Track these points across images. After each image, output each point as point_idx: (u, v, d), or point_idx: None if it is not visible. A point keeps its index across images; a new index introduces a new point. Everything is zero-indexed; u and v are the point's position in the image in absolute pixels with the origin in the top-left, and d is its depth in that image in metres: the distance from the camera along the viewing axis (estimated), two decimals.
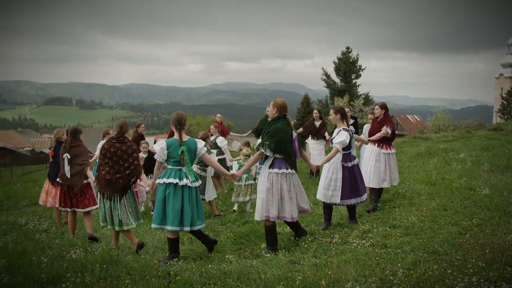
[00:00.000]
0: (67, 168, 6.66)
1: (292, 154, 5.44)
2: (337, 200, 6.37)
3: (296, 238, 5.90)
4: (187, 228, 5.23)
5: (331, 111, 6.48)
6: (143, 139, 9.88)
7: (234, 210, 8.23)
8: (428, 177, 9.67)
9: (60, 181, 6.84)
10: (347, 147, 6.37)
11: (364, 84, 44.65)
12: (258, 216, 5.48)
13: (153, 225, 5.33)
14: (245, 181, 8.19)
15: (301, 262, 4.87)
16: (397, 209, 7.16)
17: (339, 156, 6.36)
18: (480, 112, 44.45)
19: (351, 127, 6.99)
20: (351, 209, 6.72)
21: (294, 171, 5.53)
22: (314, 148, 10.92)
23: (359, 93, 41.52)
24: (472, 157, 11.84)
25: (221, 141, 9.44)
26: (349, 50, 42.59)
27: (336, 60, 42.64)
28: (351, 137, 6.39)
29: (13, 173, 30.83)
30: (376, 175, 7.61)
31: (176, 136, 5.31)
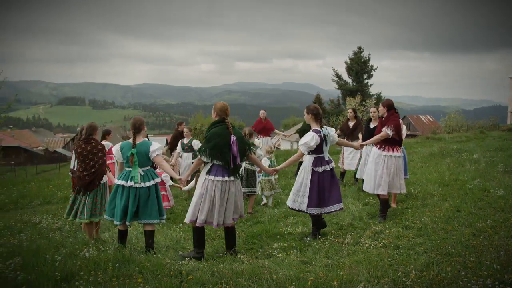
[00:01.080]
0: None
1: (230, 160, 5.20)
2: (304, 207, 5.90)
3: (226, 252, 5.51)
4: (128, 223, 5.55)
5: (304, 111, 6.02)
6: (183, 137, 10.27)
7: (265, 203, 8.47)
8: (441, 178, 9.58)
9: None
10: (317, 150, 5.84)
11: (376, 84, 44.50)
12: (187, 218, 5.43)
13: (105, 217, 5.79)
14: (264, 176, 8.33)
15: (313, 262, 4.86)
16: (409, 210, 7.11)
17: (310, 160, 5.89)
18: (494, 112, 43.98)
19: (328, 129, 5.98)
20: (316, 220, 6.07)
21: (233, 178, 5.29)
22: (348, 151, 9.92)
23: (371, 93, 41.29)
24: (486, 158, 11.71)
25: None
26: (361, 50, 42.36)
27: (348, 60, 42.44)
28: (323, 140, 5.81)
29: (27, 172, 31.20)
30: (371, 179, 6.88)
31: (137, 139, 5.56)
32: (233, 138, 5.19)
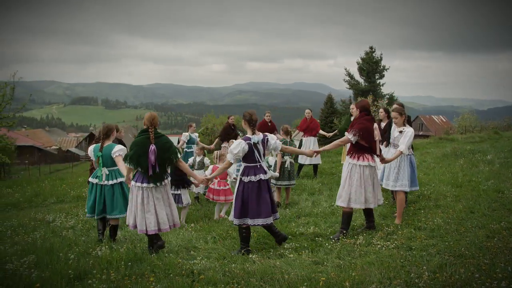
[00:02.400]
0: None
1: (147, 168, 5.31)
2: (231, 218, 5.69)
3: (151, 250, 5.49)
4: (96, 216, 6.33)
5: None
6: (233, 129, 11.25)
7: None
8: (454, 178, 9.49)
9: None
10: (247, 159, 5.52)
11: (388, 84, 44.15)
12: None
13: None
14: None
15: (325, 263, 4.84)
16: (422, 211, 7.05)
17: (241, 169, 5.64)
18: (508, 113, 43.41)
19: (269, 136, 5.69)
20: (240, 233, 5.66)
21: (153, 185, 5.38)
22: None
23: (383, 93, 41.03)
24: (500, 159, 11.57)
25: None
26: (373, 50, 42.10)
27: (360, 60, 42.21)
28: (253, 148, 5.47)
29: (40, 171, 31.55)
30: (344, 191, 6.13)
31: (104, 143, 6.28)
32: (152, 147, 5.32)
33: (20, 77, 18.56)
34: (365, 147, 6.00)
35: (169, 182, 5.69)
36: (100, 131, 6.44)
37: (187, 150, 11.27)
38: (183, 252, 5.70)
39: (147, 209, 5.40)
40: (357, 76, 42.54)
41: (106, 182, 6.26)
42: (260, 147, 5.52)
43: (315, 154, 6.39)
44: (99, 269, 4.53)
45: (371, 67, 41.31)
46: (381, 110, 9.09)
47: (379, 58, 41.74)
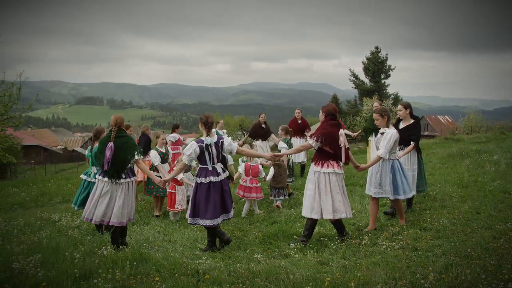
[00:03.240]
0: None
1: (102, 164, 5.70)
2: (187, 216, 5.88)
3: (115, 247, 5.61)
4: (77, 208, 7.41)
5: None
6: (262, 128, 11.54)
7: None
8: (460, 179, 9.44)
9: None
10: (200, 160, 5.68)
11: (393, 84, 43.79)
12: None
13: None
14: None
15: (330, 263, 4.83)
16: (427, 212, 7.02)
17: (198, 170, 5.80)
18: None
19: (224, 139, 5.75)
20: (209, 231, 5.82)
21: (107, 180, 5.69)
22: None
23: (388, 93, 40.92)
24: (506, 159, 11.50)
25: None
26: (378, 49, 42.00)
27: (365, 60, 42.12)
28: (204, 150, 5.58)
29: (46, 171, 31.69)
30: (307, 200, 5.86)
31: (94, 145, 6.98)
32: (109, 144, 5.67)
33: (26, 77, 18.63)
34: (329, 153, 5.69)
35: (133, 182, 5.92)
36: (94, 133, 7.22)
37: None
38: (188, 252, 5.72)
39: (101, 200, 5.71)
40: (362, 76, 42.47)
41: (94, 180, 6.93)
42: (213, 149, 5.62)
43: (276, 158, 6.36)
44: (105, 269, 4.55)
45: (376, 67, 41.21)
46: (399, 107, 8.73)
47: (384, 58, 41.63)
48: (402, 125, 7.16)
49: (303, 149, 6.18)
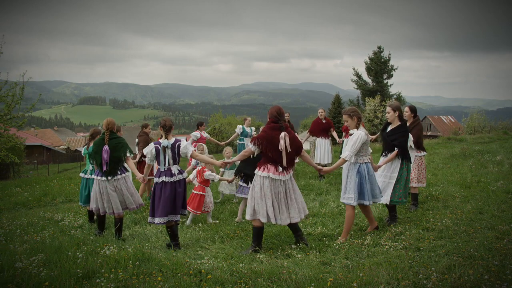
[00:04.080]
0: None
1: (100, 164, 6.55)
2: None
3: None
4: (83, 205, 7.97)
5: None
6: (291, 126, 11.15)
7: None
8: (462, 179, 9.43)
9: None
10: (158, 161, 5.96)
11: (396, 84, 43.72)
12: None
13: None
14: None
15: (332, 263, 4.83)
16: (430, 212, 7.01)
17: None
18: None
19: (182, 142, 5.99)
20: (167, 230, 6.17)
21: (104, 178, 6.58)
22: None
23: (391, 93, 40.86)
24: (510, 160, 11.48)
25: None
26: (381, 49, 41.93)
27: (368, 60, 42.06)
28: (159, 151, 5.89)
29: (49, 171, 31.75)
30: (249, 204, 5.74)
31: (90, 144, 7.52)
32: (105, 147, 6.50)
33: (29, 77, 18.66)
34: (269, 157, 5.53)
35: (128, 176, 6.87)
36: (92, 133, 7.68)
37: (240, 142, 11.51)
38: (190, 252, 5.72)
39: (104, 197, 6.65)
40: (365, 76, 42.43)
41: (90, 176, 7.72)
42: (169, 151, 5.91)
43: (227, 165, 6.15)
44: (107, 268, 4.55)
45: (379, 67, 41.16)
46: (406, 109, 8.68)
47: (387, 58, 41.57)
48: (389, 129, 6.69)
49: (247, 154, 5.80)
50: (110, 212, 6.69)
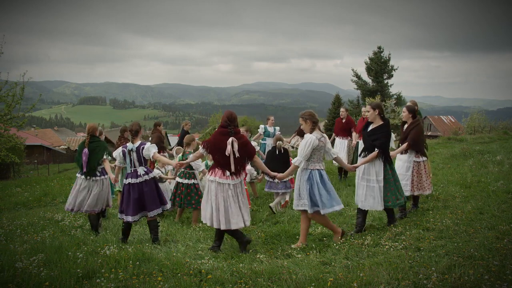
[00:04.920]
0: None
1: (81, 165, 7.19)
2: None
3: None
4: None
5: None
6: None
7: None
8: (463, 179, 9.42)
9: None
10: (126, 164, 6.28)
11: (396, 84, 43.74)
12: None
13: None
14: None
15: (333, 263, 4.83)
16: (430, 212, 7.01)
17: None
18: None
19: (146, 145, 6.24)
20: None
21: (84, 177, 7.18)
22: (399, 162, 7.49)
23: (391, 94, 40.85)
24: (510, 160, 11.47)
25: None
26: (381, 49, 41.90)
27: (368, 60, 42.03)
28: (125, 154, 6.26)
29: (49, 170, 31.76)
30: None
31: None
32: (85, 150, 7.13)
33: (29, 77, 18.67)
34: (217, 161, 5.64)
35: (106, 178, 7.30)
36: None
37: (262, 142, 11.45)
38: (190, 252, 5.72)
39: (79, 194, 7.21)
40: (364, 76, 42.40)
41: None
42: (134, 154, 6.21)
43: (182, 166, 6.35)
44: (107, 268, 4.55)
45: (379, 67, 41.13)
46: (403, 109, 8.65)
47: (387, 58, 41.55)
48: (370, 128, 6.37)
49: (198, 156, 5.96)
50: (84, 209, 7.26)
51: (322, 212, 5.63)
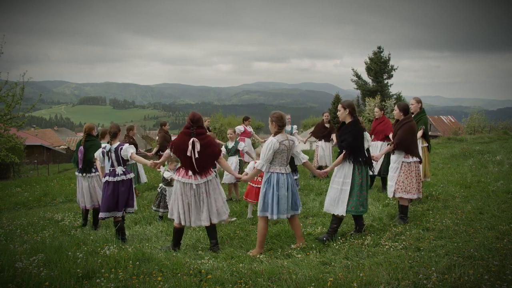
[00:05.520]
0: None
1: (77, 162, 7.73)
2: None
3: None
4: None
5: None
6: (328, 129, 11.52)
7: None
8: (462, 179, 9.42)
9: None
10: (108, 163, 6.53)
11: (396, 84, 43.71)
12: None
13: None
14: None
15: (332, 263, 4.83)
16: (430, 212, 7.01)
17: None
18: None
19: (124, 147, 6.44)
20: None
21: (80, 174, 7.69)
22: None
23: (391, 94, 40.85)
24: (510, 160, 11.48)
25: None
26: (381, 49, 41.90)
27: (368, 60, 42.02)
28: (105, 155, 6.50)
29: (49, 171, 31.74)
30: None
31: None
32: (80, 148, 7.63)
33: (29, 77, 18.67)
34: (182, 161, 5.78)
35: (96, 176, 7.66)
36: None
37: None
38: (190, 252, 5.72)
39: (79, 190, 7.78)
40: (364, 76, 42.40)
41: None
42: (113, 155, 6.45)
43: (157, 165, 6.26)
44: (107, 268, 4.55)
45: (379, 67, 41.13)
46: (376, 109, 8.94)
47: (387, 58, 41.55)
48: (340, 129, 6.10)
49: (167, 156, 6.01)
50: (85, 205, 7.70)
51: (269, 217, 5.52)
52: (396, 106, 6.86)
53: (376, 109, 9.82)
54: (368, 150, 6.06)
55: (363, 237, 5.80)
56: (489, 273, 3.92)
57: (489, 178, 9.17)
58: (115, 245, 5.56)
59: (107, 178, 6.48)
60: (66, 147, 58.48)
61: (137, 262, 4.76)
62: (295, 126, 11.68)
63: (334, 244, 5.60)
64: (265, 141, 8.51)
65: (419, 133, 7.69)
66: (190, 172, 5.69)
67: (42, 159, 43.15)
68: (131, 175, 6.65)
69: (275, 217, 5.47)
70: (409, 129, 6.54)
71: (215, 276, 4.34)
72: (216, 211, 5.81)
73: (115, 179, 6.47)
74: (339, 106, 6.03)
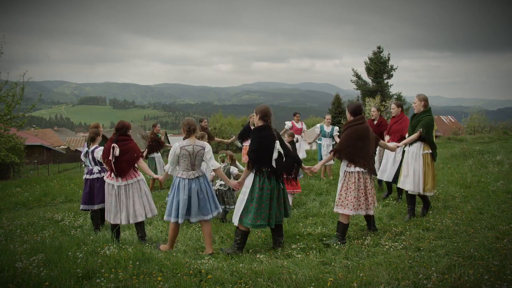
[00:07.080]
0: None
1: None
2: None
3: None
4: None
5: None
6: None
7: None
8: (462, 179, 9.42)
9: None
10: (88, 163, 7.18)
11: (396, 84, 43.69)
12: None
13: None
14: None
15: (332, 263, 4.83)
16: (430, 212, 7.01)
17: None
18: None
19: (96, 150, 7.08)
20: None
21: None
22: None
23: (391, 94, 40.84)
24: (510, 160, 11.47)
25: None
26: (381, 49, 41.88)
27: (368, 60, 42.01)
28: (85, 156, 7.19)
29: (49, 171, 31.73)
30: None
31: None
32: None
33: (29, 77, 18.65)
34: (107, 164, 6.45)
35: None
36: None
37: (318, 142, 11.68)
38: (190, 252, 5.72)
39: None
40: (364, 76, 42.40)
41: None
42: (90, 156, 7.12)
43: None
44: (107, 268, 4.55)
45: (379, 67, 41.12)
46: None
47: (386, 58, 41.55)
48: None
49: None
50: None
51: (164, 218, 5.94)
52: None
53: (393, 106, 8.84)
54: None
55: (363, 237, 5.81)
56: (489, 273, 3.92)
57: (489, 178, 9.17)
58: (115, 245, 5.56)
59: (86, 176, 7.18)
60: (66, 147, 58.48)
61: (137, 262, 4.76)
62: (336, 128, 11.48)
63: (334, 244, 5.60)
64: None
65: (413, 137, 6.78)
66: (113, 174, 6.33)
67: (42, 159, 43.14)
68: (104, 175, 6.83)
69: (173, 220, 5.71)
70: (352, 133, 5.74)
71: (215, 276, 4.34)
72: (133, 212, 6.35)
73: (91, 177, 7.16)
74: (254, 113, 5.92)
